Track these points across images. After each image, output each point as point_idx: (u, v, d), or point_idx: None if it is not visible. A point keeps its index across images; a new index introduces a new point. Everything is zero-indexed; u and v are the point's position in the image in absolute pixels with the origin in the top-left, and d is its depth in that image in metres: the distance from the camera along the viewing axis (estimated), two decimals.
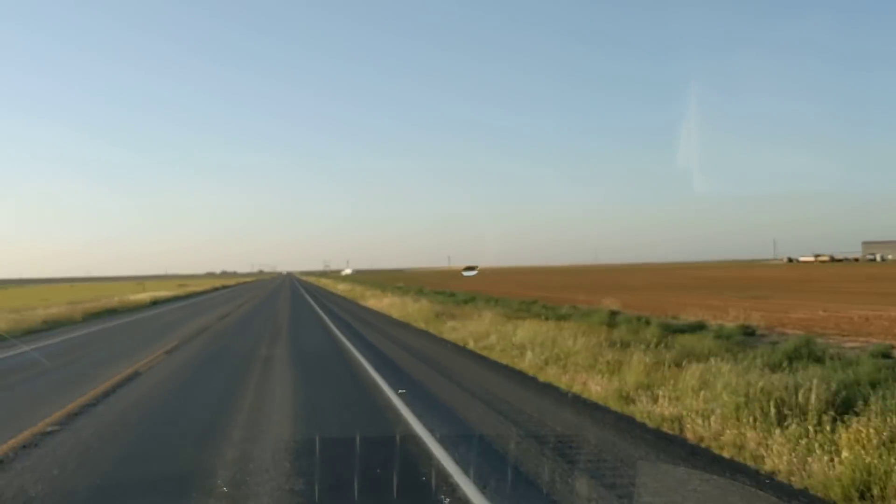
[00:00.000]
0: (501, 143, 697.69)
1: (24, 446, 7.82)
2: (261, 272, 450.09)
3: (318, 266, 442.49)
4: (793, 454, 6.52)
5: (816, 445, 6.47)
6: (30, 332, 24.35)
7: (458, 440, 7.71)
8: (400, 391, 10.98)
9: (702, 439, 7.65)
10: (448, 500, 5.79)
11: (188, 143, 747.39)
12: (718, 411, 7.87)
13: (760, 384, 8.05)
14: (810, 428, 6.83)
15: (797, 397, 7.61)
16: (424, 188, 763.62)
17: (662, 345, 12.66)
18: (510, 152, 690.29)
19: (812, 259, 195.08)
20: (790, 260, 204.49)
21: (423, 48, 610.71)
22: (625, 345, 13.25)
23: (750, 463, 6.81)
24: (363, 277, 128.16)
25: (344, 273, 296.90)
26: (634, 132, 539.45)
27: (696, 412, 8.07)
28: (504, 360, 14.56)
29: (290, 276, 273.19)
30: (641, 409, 8.99)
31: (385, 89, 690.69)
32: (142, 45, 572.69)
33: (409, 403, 9.92)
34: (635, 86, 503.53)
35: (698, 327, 19.17)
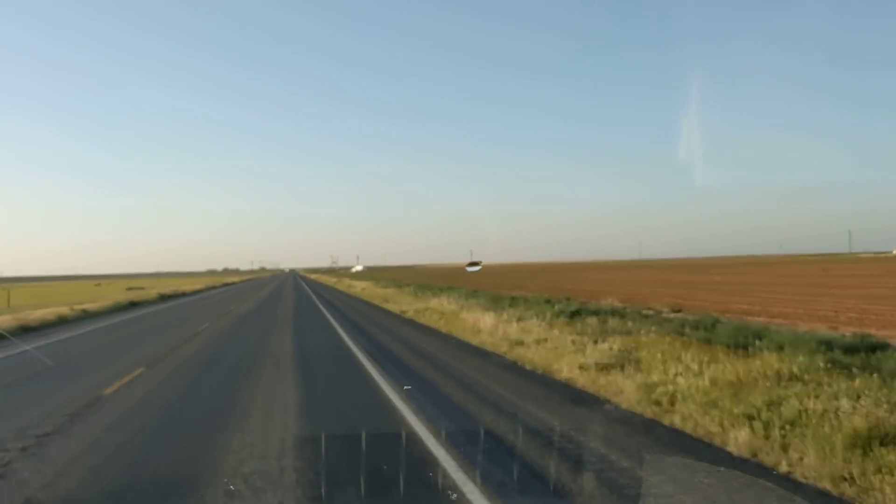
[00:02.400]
0: (509, 143, 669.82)
1: None
2: (262, 269, 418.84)
3: (324, 262, 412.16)
4: None
5: None
6: None
7: None
8: None
9: None
10: None
11: (198, 147, 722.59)
12: None
13: None
14: None
15: None
16: (434, 186, 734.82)
17: None
18: (517, 152, 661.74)
19: None
20: None
21: (432, 58, 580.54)
22: None
23: None
24: (401, 277, 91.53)
25: (354, 270, 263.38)
26: (638, 127, 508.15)
27: None
28: None
29: (293, 274, 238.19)
30: None
31: (390, 95, 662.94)
32: (150, 53, 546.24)
33: None
34: (637, 80, 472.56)
35: None
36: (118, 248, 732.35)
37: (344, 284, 75.20)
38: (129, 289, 70.29)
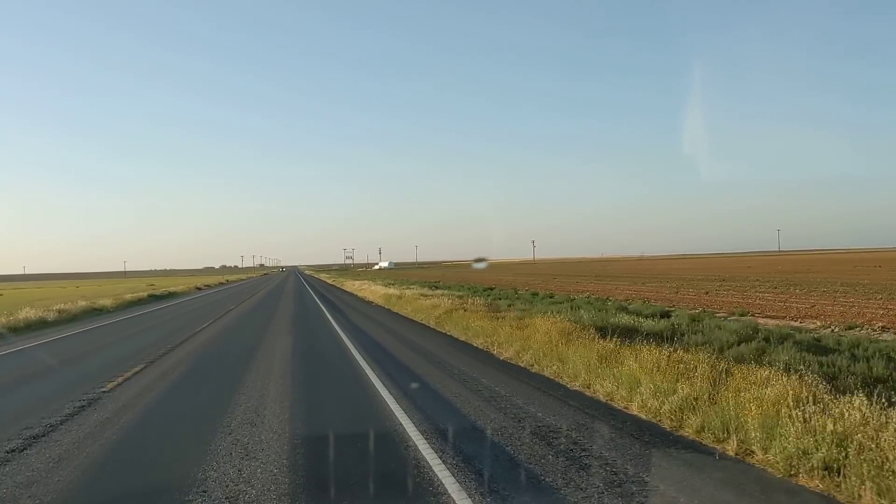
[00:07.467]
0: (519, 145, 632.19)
1: None
2: (262, 266, 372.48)
3: (337, 259, 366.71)
4: None
5: None
6: None
7: None
8: None
9: None
10: None
11: (207, 147, 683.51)
12: None
13: None
14: None
15: None
16: (445, 184, 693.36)
17: None
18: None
19: None
20: None
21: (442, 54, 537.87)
22: None
23: None
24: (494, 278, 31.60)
25: (378, 267, 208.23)
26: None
27: None
28: None
29: (296, 273, 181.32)
30: None
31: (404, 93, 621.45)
32: (143, 53, 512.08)
33: None
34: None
35: None
36: (112, 246, 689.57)
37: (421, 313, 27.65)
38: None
